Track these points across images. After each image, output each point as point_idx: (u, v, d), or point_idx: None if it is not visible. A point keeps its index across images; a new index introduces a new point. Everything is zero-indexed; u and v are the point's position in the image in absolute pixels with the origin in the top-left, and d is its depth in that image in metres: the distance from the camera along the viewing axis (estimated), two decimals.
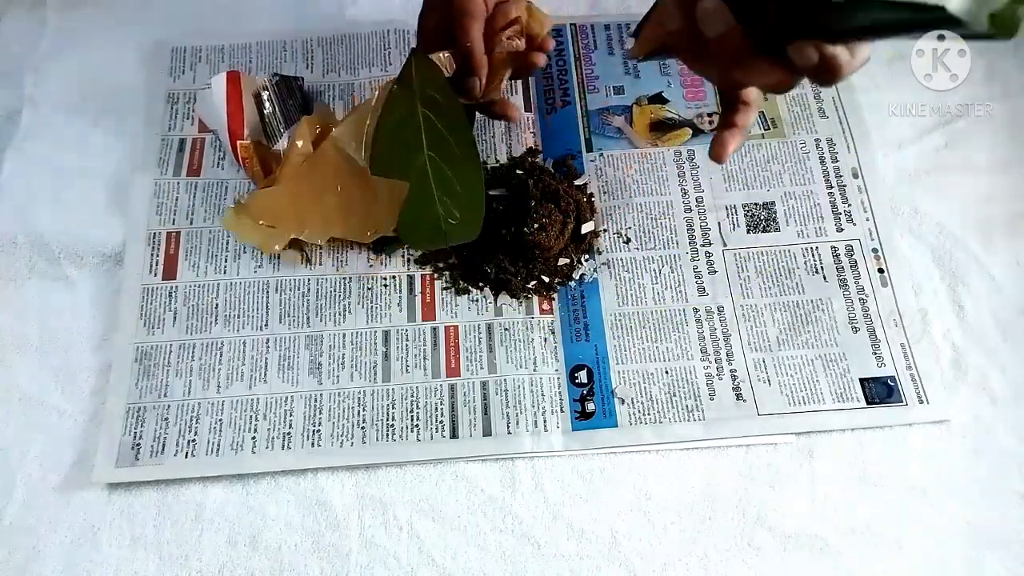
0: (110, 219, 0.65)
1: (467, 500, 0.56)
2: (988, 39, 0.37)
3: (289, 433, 0.57)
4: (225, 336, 0.60)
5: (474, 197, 0.59)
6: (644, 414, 0.58)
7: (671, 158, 0.68)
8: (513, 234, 0.61)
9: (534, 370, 0.60)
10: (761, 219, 0.66)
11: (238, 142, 0.64)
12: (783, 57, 0.40)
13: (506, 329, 0.61)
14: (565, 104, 0.71)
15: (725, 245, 0.65)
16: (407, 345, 0.60)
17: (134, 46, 0.73)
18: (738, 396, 0.59)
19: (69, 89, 0.71)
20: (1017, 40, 0.74)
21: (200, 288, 0.62)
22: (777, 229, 0.65)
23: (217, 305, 0.62)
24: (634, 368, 0.60)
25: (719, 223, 0.65)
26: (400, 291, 0.63)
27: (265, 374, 0.59)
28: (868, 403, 0.59)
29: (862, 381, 0.59)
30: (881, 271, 0.63)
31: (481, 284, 0.63)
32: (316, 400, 0.58)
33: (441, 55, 0.58)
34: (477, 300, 0.62)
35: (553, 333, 0.61)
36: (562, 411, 0.58)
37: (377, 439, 0.57)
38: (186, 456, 0.56)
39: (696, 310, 0.62)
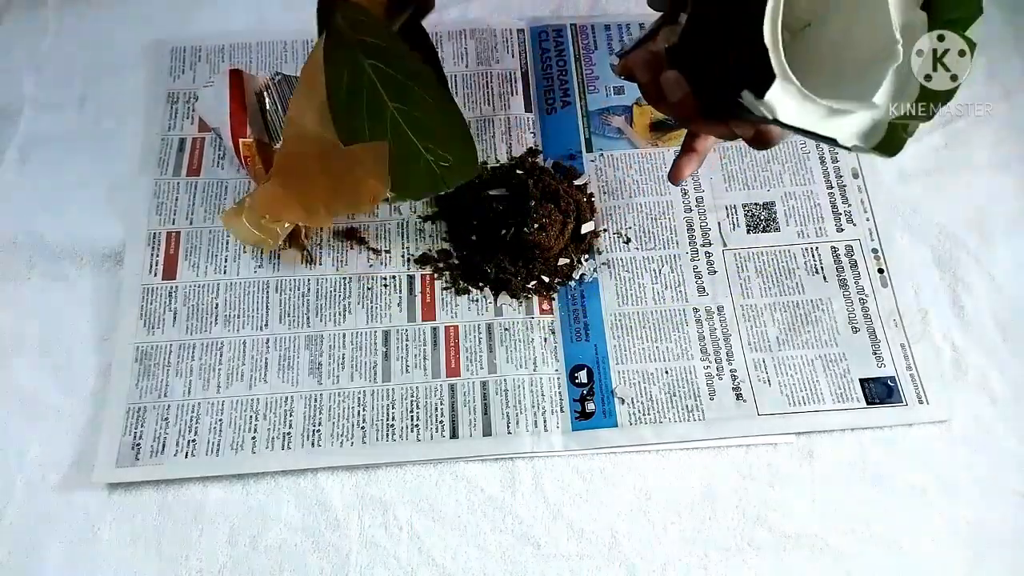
0: (110, 219, 0.65)
1: (467, 500, 0.56)
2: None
3: (289, 433, 0.57)
4: (225, 336, 0.60)
5: (461, 136, 0.56)
6: (644, 414, 0.58)
7: (671, 158, 0.68)
8: (513, 234, 0.61)
9: (534, 370, 0.60)
10: (761, 219, 0.66)
11: (240, 140, 0.63)
12: (727, 122, 0.46)
13: (506, 329, 0.61)
14: (565, 104, 0.71)
15: (725, 245, 0.65)
16: (407, 345, 0.61)
17: (134, 46, 0.72)
18: (738, 396, 0.59)
19: (69, 89, 0.71)
20: (1018, 40, 0.74)
21: (200, 288, 0.62)
22: (777, 229, 0.65)
23: (217, 305, 0.62)
24: (634, 368, 0.60)
25: (719, 223, 0.65)
26: (400, 291, 0.63)
27: (265, 374, 0.59)
28: (868, 403, 0.59)
29: (862, 381, 0.59)
30: (881, 271, 0.63)
31: (481, 284, 0.63)
32: (316, 400, 0.58)
33: None
34: (477, 300, 0.62)
35: (553, 333, 0.61)
36: (562, 411, 0.58)
37: (377, 439, 0.57)
38: (186, 456, 0.56)
39: (696, 310, 0.62)
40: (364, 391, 0.59)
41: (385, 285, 0.63)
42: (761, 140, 0.46)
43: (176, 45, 0.72)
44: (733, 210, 0.66)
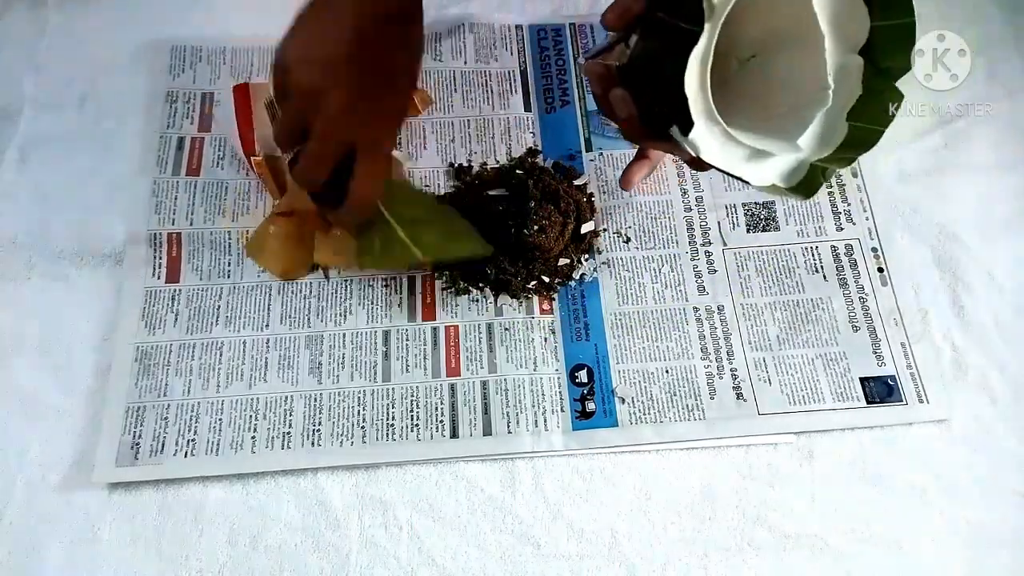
0: (110, 219, 0.65)
1: (467, 500, 0.56)
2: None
3: (289, 433, 0.57)
4: (226, 336, 0.60)
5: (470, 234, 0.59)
6: (644, 413, 0.58)
7: (670, 158, 0.68)
8: (513, 235, 0.61)
9: (534, 370, 0.60)
10: (761, 218, 0.66)
11: (252, 159, 0.63)
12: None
13: (506, 329, 0.61)
14: (564, 104, 0.71)
15: (725, 244, 0.65)
16: (407, 345, 0.60)
17: (134, 46, 0.72)
18: (738, 395, 0.59)
19: (69, 89, 0.71)
20: (1018, 40, 0.74)
21: (203, 291, 0.62)
22: (777, 228, 0.65)
23: (219, 307, 0.62)
24: (634, 367, 0.60)
25: (719, 222, 0.65)
26: (400, 291, 0.63)
27: (265, 374, 0.59)
28: (868, 402, 0.59)
29: (862, 380, 0.59)
30: (881, 270, 0.63)
31: (481, 284, 0.63)
32: (316, 400, 0.58)
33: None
34: (477, 300, 0.62)
35: (553, 333, 0.61)
36: (562, 411, 0.58)
37: (377, 439, 0.57)
38: (186, 456, 0.56)
39: (696, 309, 0.62)
40: (364, 391, 0.59)
41: (385, 285, 0.63)
42: (698, 165, 0.48)
43: (176, 44, 0.72)
44: (733, 209, 0.66)
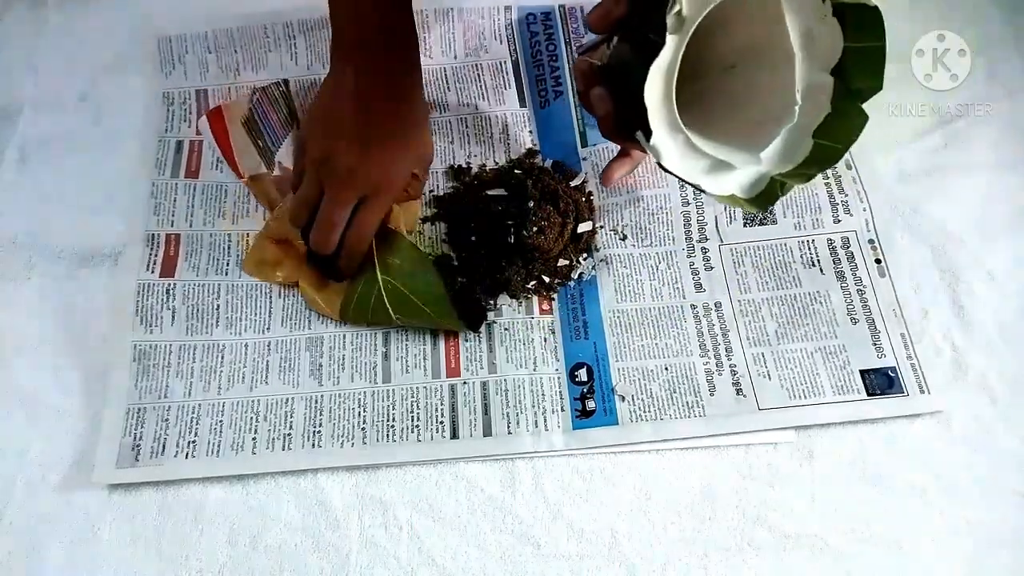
0: (109, 219, 0.65)
1: (467, 500, 0.56)
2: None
3: (289, 434, 0.57)
4: (227, 339, 0.60)
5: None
6: (644, 411, 0.58)
7: None
8: (512, 236, 0.61)
9: (534, 370, 0.60)
10: None
11: (241, 181, 0.65)
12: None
13: (506, 329, 0.61)
14: (558, 95, 0.71)
15: (722, 241, 0.64)
16: (407, 345, 0.60)
17: (133, 45, 0.72)
18: (738, 391, 0.59)
19: (69, 89, 0.71)
20: (1018, 40, 0.74)
21: (200, 288, 0.62)
22: (775, 222, 0.65)
23: (218, 307, 0.62)
24: (634, 365, 0.60)
25: (716, 216, 0.65)
26: None
27: (266, 376, 0.59)
28: (869, 395, 0.58)
29: (862, 373, 0.59)
30: (879, 261, 0.63)
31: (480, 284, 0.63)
32: (317, 401, 0.58)
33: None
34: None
35: (553, 333, 0.61)
36: (562, 410, 0.58)
37: (377, 439, 0.57)
38: (186, 457, 0.56)
39: (694, 306, 0.62)
40: (364, 392, 0.59)
41: None
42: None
43: (162, 35, 0.72)
44: None
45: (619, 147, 0.61)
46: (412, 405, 0.58)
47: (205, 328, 0.61)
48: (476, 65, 0.72)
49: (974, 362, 0.60)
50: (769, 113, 0.47)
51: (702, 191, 0.47)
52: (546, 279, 0.62)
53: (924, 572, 0.54)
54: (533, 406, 0.58)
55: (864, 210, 0.65)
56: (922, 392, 0.58)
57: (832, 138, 0.47)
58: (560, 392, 0.59)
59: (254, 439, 0.57)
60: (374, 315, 0.59)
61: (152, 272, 0.62)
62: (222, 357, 0.60)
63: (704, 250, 0.64)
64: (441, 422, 0.58)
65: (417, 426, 0.58)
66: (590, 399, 0.59)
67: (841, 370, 0.59)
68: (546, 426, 0.58)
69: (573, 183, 0.66)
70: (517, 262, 0.62)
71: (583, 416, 0.58)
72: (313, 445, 0.57)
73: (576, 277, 0.63)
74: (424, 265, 0.60)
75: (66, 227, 0.65)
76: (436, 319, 0.59)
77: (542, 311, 0.62)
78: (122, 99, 0.70)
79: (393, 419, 0.58)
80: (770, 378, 0.59)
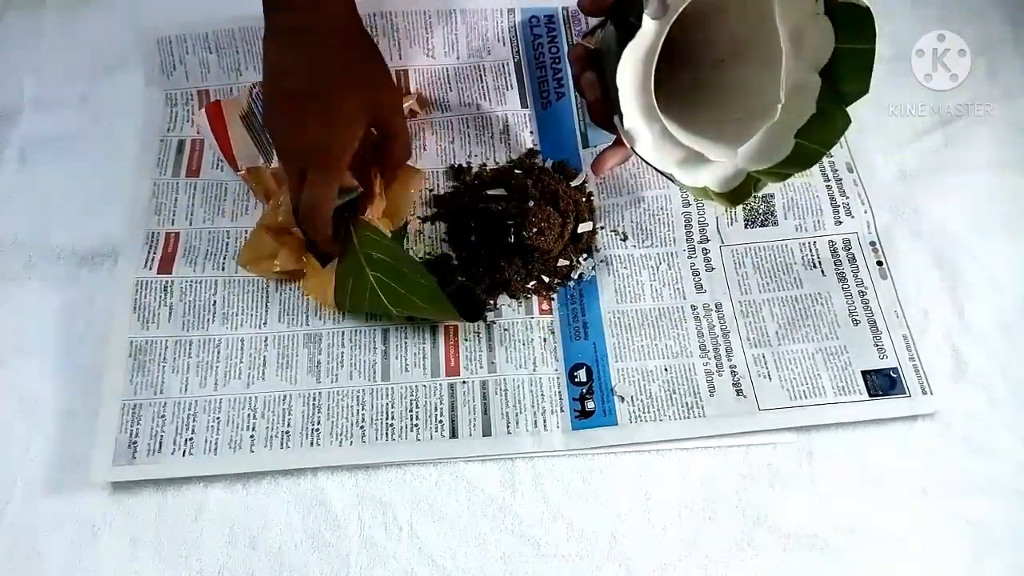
0: (110, 219, 0.65)
1: (467, 500, 0.56)
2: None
3: (287, 432, 0.57)
4: (223, 334, 0.60)
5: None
6: (644, 412, 0.58)
7: None
8: (512, 236, 0.61)
9: (534, 370, 0.60)
10: (760, 212, 0.65)
11: (238, 174, 0.65)
12: None
13: (505, 329, 0.61)
14: (560, 96, 0.71)
15: (723, 242, 0.64)
16: (406, 344, 0.60)
17: (133, 45, 0.72)
18: (738, 392, 0.59)
19: (69, 89, 0.71)
20: (1018, 40, 0.74)
21: (197, 284, 0.62)
22: (776, 223, 0.65)
23: (215, 302, 0.61)
24: (633, 366, 0.60)
25: (717, 217, 0.65)
26: None
27: (263, 372, 0.59)
28: (870, 395, 0.58)
29: (864, 374, 0.59)
30: (880, 263, 0.63)
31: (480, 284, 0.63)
32: (315, 399, 0.58)
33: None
34: None
35: (553, 333, 0.61)
36: (562, 410, 0.58)
37: (376, 438, 0.57)
38: (184, 454, 0.56)
39: (694, 307, 0.62)
40: (363, 390, 0.59)
41: None
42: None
43: (161, 36, 0.72)
44: None
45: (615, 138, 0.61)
46: (411, 404, 0.58)
47: (201, 323, 0.61)
48: (478, 66, 0.72)
49: (974, 362, 0.60)
50: (752, 110, 0.47)
51: (674, 181, 0.47)
52: (546, 279, 0.62)
53: (924, 572, 0.54)
54: (532, 406, 0.58)
55: (865, 212, 0.65)
56: (924, 393, 0.58)
57: (814, 139, 0.47)
58: (559, 392, 0.59)
59: (252, 437, 0.57)
60: (372, 306, 0.59)
61: (150, 269, 0.62)
62: (218, 352, 0.60)
63: (705, 251, 0.64)
64: (440, 421, 0.58)
65: (416, 425, 0.58)
66: (589, 399, 0.59)
67: (842, 371, 0.59)
68: (545, 426, 0.58)
69: (574, 183, 0.66)
70: (517, 262, 0.62)
71: (582, 416, 0.58)
72: (312, 443, 0.57)
73: (576, 277, 0.63)
74: (409, 263, 0.60)
75: (66, 227, 0.65)
76: (433, 312, 0.59)
77: (542, 311, 0.62)
78: (122, 99, 0.70)
79: (392, 418, 0.58)
80: (770, 379, 0.59)
